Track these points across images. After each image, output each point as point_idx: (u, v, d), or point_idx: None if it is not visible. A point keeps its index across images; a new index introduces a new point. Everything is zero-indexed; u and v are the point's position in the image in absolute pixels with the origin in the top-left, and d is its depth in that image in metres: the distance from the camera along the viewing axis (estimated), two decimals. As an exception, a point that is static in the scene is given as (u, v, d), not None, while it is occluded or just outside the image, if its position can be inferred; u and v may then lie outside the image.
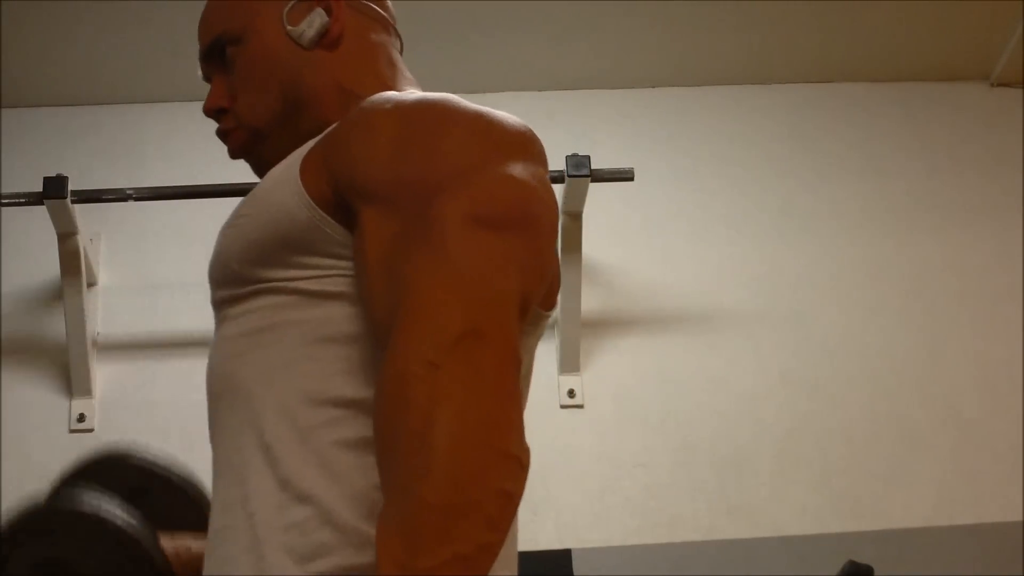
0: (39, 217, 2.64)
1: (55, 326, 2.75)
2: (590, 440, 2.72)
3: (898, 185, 3.02)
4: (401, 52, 1.38)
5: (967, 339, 2.86)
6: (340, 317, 1.13)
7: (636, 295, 2.87)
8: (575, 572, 2.56)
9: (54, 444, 2.68)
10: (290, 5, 1.30)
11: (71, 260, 2.65)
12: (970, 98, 3.14)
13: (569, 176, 2.60)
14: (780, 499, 2.67)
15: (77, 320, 2.66)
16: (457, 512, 0.94)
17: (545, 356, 2.78)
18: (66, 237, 2.65)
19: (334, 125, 1.20)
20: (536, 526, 2.61)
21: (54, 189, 2.58)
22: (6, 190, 2.72)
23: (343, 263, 1.14)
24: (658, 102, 3.10)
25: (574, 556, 2.57)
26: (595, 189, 2.64)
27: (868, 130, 3.09)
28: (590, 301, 2.78)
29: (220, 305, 1.23)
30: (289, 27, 1.29)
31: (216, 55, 1.33)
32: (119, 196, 2.68)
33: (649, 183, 2.88)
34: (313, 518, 1.07)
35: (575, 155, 2.62)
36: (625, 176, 2.67)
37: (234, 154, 1.35)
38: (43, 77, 2.96)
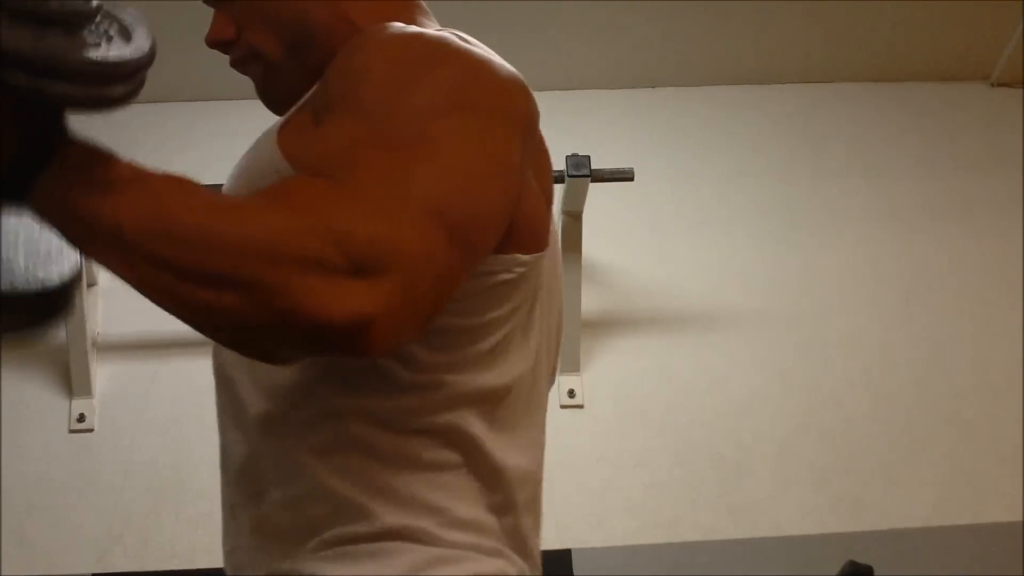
0: (39, 217, 2.63)
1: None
2: (590, 440, 2.72)
3: (898, 185, 3.02)
4: None
5: (967, 339, 2.86)
6: None
7: (636, 295, 2.87)
8: (575, 572, 2.56)
9: (54, 444, 2.68)
10: None
11: (71, 260, 2.65)
12: (970, 98, 3.14)
13: (569, 176, 2.60)
14: (780, 499, 2.67)
15: (77, 320, 2.66)
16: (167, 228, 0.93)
17: (545, 356, 2.78)
18: (66, 237, 2.65)
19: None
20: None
21: (54, 189, 2.58)
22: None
23: None
24: (658, 102, 3.10)
25: (574, 556, 2.57)
26: (595, 189, 2.64)
27: (868, 130, 3.09)
28: (590, 301, 2.78)
29: None
30: None
31: None
32: (119, 196, 2.68)
33: (649, 183, 2.88)
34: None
35: (575, 155, 2.61)
36: (625, 176, 2.67)
37: (258, 88, 1.30)
38: (43, 77, 2.96)
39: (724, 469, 2.70)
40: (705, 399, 2.77)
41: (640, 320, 2.85)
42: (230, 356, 1.15)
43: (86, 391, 2.71)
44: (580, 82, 3.08)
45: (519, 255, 1.14)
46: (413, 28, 1.14)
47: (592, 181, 2.62)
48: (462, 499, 1.10)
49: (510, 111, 1.11)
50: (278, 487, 1.11)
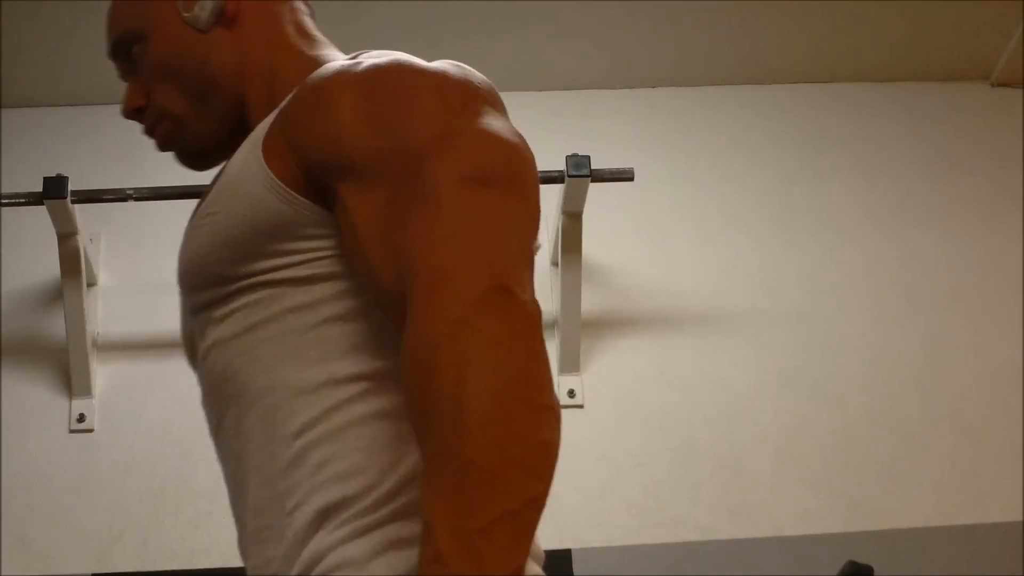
0: (39, 217, 2.64)
1: (55, 326, 2.75)
2: (590, 440, 2.72)
3: (898, 185, 3.02)
4: (312, 16, 1.38)
5: (967, 339, 2.86)
6: (334, 296, 1.13)
7: (636, 295, 2.87)
8: (575, 572, 2.55)
9: (54, 444, 2.68)
10: None
11: (71, 260, 2.65)
12: (970, 98, 3.14)
13: (569, 176, 2.60)
14: (780, 499, 2.67)
15: (77, 320, 2.66)
16: (502, 469, 0.93)
17: (545, 356, 2.78)
18: (66, 237, 2.65)
19: (284, 103, 1.18)
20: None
21: (54, 189, 2.58)
22: (6, 190, 2.72)
23: (325, 242, 1.13)
24: (658, 102, 3.10)
25: (574, 556, 2.57)
26: (595, 189, 2.64)
27: (868, 130, 3.09)
28: (590, 301, 2.78)
29: (201, 309, 1.21)
30: (184, 14, 1.29)
31: (123, 55, 1.34)
32: (119, 196, 2.68)
33: (649, 183, 2.88)
34: (354, 498, 1.07)
35: (575, 155, 2.61)
36: (625, 176, 2.67)
37: (161, 147, 1.36)
38: (43, 77, 2.96)
39: (724, 469, 2.70)
40: (705, 399, 2.77)
41: (640, 320, 2.85)
42: (258, 366, 1.16)
43: (86, 391, 2.71)
44: (580, 82, 3.08)
45: None
46: (368, 63, 1.15)
47: (592, 181, 2.62)
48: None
49: (490, 98, 1.16)
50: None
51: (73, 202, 2.61)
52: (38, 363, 2.77)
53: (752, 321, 2.85)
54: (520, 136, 1.13)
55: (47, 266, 2.75)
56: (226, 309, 1.17)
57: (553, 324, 2.78)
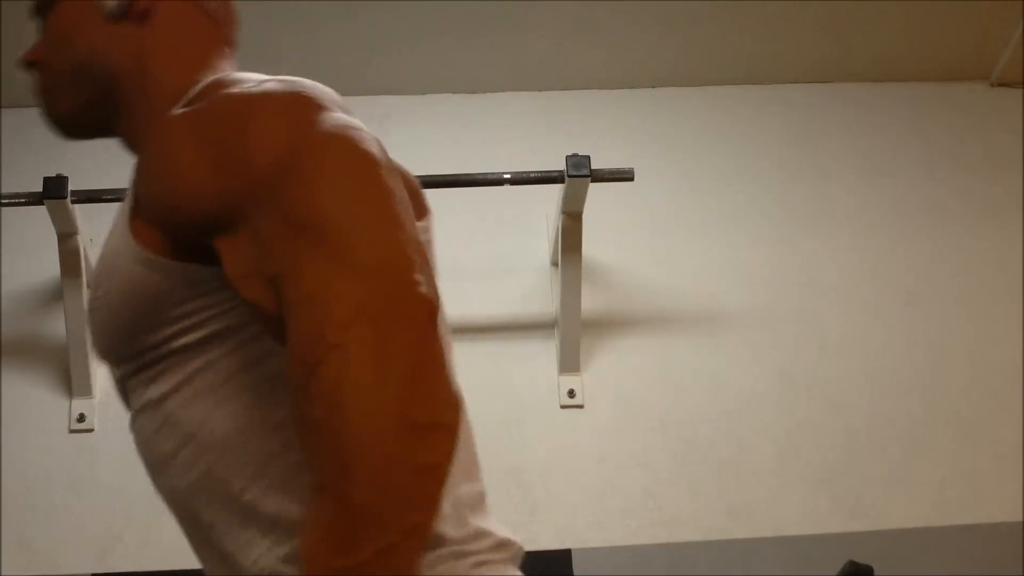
0: (39, 217, 2.64)
1: (55, 326, 2.75)
2: (590, 440, 2.72)
3: (898, 185, 3.02)
4: (230, 44, 1.31)
5: (967, 339, 2.86)
6: (246, 344, 1.09)
7: (636, 295, 2.87)
8: (575, 572, 2.56)
9: (54, 444, 2.68)
10: None
11: (71, 260, 2.65)
12: (970, 98, 3.14)
13: (569, 176, 2.60)
14: (780, 499, 2.67)
15: (77, 320, 2.66)
16: (376, 504, 0.89)
17: (545, 356, 2.79)
18: (66, 237, 2.65)
19: (132, 174, 1.15)
20: (536, 526, 2.61)
21: (54, 189, 2.58)
22: (6, 190, 2.72)
23: (211, 299, 1.09)
24: (658, 102, 3.10)
25: (574, 556, 2.57)
26: (595, 189, 2.64)
27: (868, 130, 3.09)
28: (590, 301, 2.78)
29: (126, 379, 1.19)
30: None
31: (39, 15, 1.35)
32: (119, 196, 2.66)
33: (649, 183, 2.88)
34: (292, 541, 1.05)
35: (575, 155, 2.61)
36: (625, 176, 2.67)
37: (36, 96, 1.34)
38: (43, 77, 2.96)
39: (724, 469, 2.70)
40: (705, 399, 2.77)
41: (640, 320, 2.85)
42: (185, 428, 1.13)
43: (86, 391, 2.71)
44: (580, 82, 3.08)
45: (418, 222, 1.13)
46: (199, 105, 1.12)
47: (592, 181, 2.62)
48: (449, 494, 1.08)
49: (334, 122, 1.07)
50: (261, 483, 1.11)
51: (73, 202, 2.61)
52: (38, 363, 2.77)
53: (752, 321, 2.85)
54: (349, 120, 1.06)
55: (47, 266, 2.75)
56: (146, 376, 1.15)
57: (553, 324, 2.78)
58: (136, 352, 1.14)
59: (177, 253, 1.08)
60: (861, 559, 2.37)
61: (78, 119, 1.28)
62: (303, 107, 1.05)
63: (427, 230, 1.17)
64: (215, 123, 1.07)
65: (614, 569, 2.56)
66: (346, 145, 1.02)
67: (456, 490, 1.09)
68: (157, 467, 1.19)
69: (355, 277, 0.94)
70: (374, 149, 1.04)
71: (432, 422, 0.92)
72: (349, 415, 0.90)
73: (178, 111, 1.12)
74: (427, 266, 0.99)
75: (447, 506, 1.06)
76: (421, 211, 1.17)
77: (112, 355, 1.19)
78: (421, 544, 0.93)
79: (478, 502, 1.13)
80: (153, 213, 1.10)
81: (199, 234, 1.05)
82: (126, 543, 2.59)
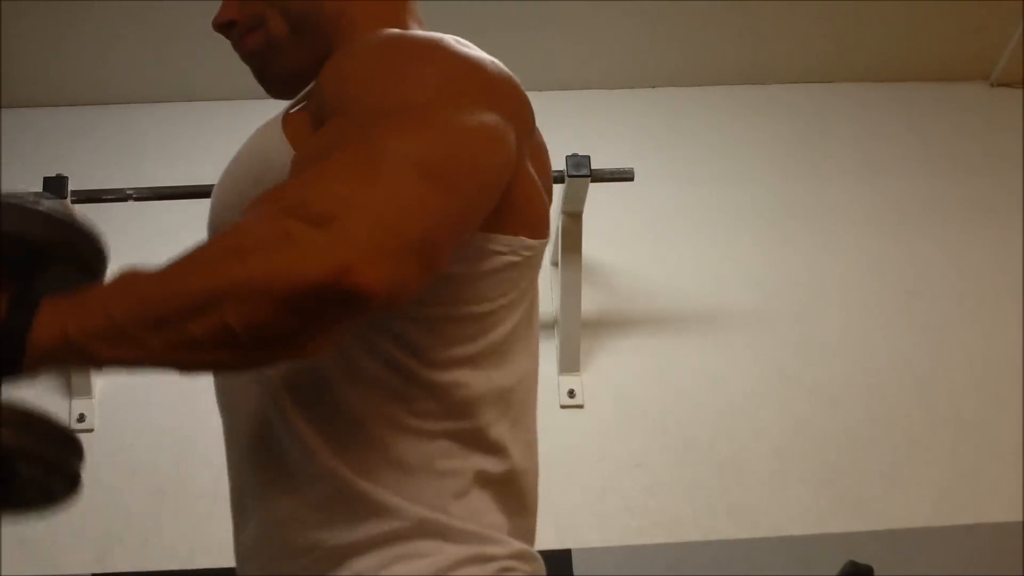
0: (39, 217, 2.63)
1: (55, 326, 2.75)
2: (590, 440, 2.72)
3: (898, 185, 3.02)
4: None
5: (967, 339, 2.86)
6: None
7: (636, 295, 2.87)
8: (575, 572, 2.55)
9: (54, 444, 2.68)
10: None
11: (71, 260, 2.65)
12: (970, 98, 3.14)
13: (569, 176, 2.60)
14: (780, 499, 2.67)
15: (77, 320, 2.66)
16: (160, 306, 0.95)
17: (545, 356, 2.77)
18: (66, 237, 2.64)
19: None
20: (536, 526, 2.60)
21: (54, 189, 2.58)
22: (6, 190, 2.71)
23: None
24: (658, 102, 3.10)
25: (574, 556, 2.57)
26: (595, 189, 2.64)
27: (868, 130, 3.09)
28: (590, 301, 2.78)
29: None
30: None
31: None
32: (119, 196, 2.68)
33: (649, 183, 2.88)
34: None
35: (575, 155, 2.61)
36: (625, 176, 2.67)
37: (246, 57, 1.32)
38: (43, 77, 2.96)
39: (724, 469, 2.70)
40: (705, 399, 2.77)
41: (640, 320, 2.85)
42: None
43: (86, 391, 2.70)
44: (580, 82, 3.08)
45: (526, 238, 1.15)
46: (401, 31, 1.18)
47: (592, 181, 2.62)
48: (486, 504, 1.12)
49: (500, 104, 1.11)
50: (293, 486, 1.11)
51: (73, 202, 2.60)
52: (38, 363, 2.77)
53: (752, 321, 2.85)
54: (498, 133, 1.09)
55: (47, 266, 2.75)
56: None
57: (553, 324, 2.78)
58: None
59: None
60: (861, 559, 2.37)
61: (302, 70, 1.25)
62: (473, 90, 1.09)
63: (536, 249, 1.18)
64: (402, 51, 1.12)
65: (614, 569, 2.56)
66: (451, 146, 1.04)
67: (507, 518, 1.14)
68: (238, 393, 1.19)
69: (355, 208, 0.94)
70: (507, 140, 1.08)
71: (228, 324, 0.93)
72: (206, 264, 0.96)
73: (382, 32, 1.16)
74: (419, 265, 0.97)
75: (481, 513, 1.11)
76: (539, 231, 1.19)
77: (220, 227, 1.20)
78: (101, 354, 0.96)
79: (510, 518, 1.16)
80: (315, 106, 1.12)
81: (327, 116, 1.08)
82: (126, 543, 2.59)
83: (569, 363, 2.75)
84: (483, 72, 1.12)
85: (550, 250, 2.83)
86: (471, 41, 1.19)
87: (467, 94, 1.09)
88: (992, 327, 2.87)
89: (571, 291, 2.69)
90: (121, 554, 2.58)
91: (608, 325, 2.83)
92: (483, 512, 1.11)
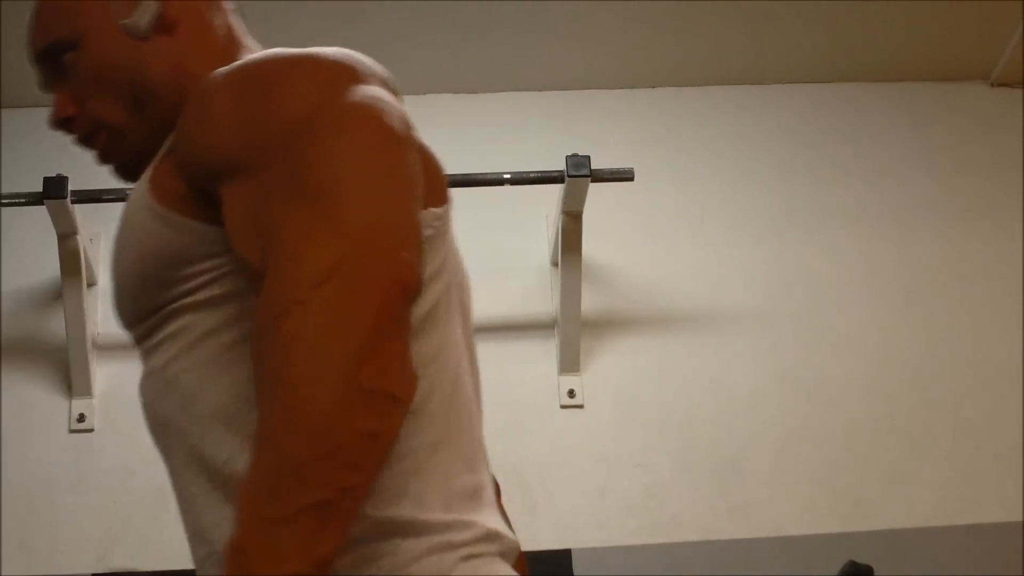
0: (39, 217, 2.64)
1: (55, 326, 2.75)
2: (590, 440, 2.72)
3: (898, 185, 3.02)
4: (237, 14, 1.32)
5: (967, 339, 2.86)
6: (241, 313, 1.09)
7: (636, 295, 2.87)
8: (575, 572, 2.56)
9: (54, 444, 2.68)
10: None
11: (71, 260, 2.65)
12: (970, 98, 3.14)
13: (569, 176, 2.60)
14: (780, 499, 2.67)
15: (77, 320, 2.66)
16: (314, 458, 0.91)
17: (545, 356, 2.79)
18: (66, 237, 2.65)
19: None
20: (536, 526, 2.61)
21: (54, 189, 2.58)
22: (6, 190, 2.72)
23: (222, 259, 1.10)
24: (658, 102, 3.10)
25: (574, 556, 2.57)
26: (595, 189, 2.64)
27: (868, 130, 3.09)
28: (590, 301, 2.78)
29: (139, 341, 1.21)
30: (123, 21, 1.23)
31: (50, 62, 1.29)
32: (119, 196, 2.67)
33: (649, 183, 2.88)
34: None
35: (575, 155, 2.61)
36: (625, 176, 2.67)
37: (102, 159, 1.29)
38: (43, 77, 2.96)
39: (724, 469, 2.70)
40: (705, 399, 2.77)
41: (640, 320, 2.85)
42: (181, 397, 1.13)
43: (86, 391, 2.70)
44: (580, 82, 3.08)
45: (433, 208, 1.14)
46: (242, 62, 1.14)
47: (592, 181, 2.62)
48: (441, 483, 1.08)
49: (363, 74, 1.10)
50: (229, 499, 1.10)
51: (73, 202, 2.61)
52: (38, 363, 2.77)
53: (752, 321, 2.85)
54: (383, 98, 1.08)
55: (47, 266, 2.75)
56: (155, 340, 1.17)
57: (553, 324, 2.78)
58: (147, 312, 1.16)
59: (191, 212, 1.10)
60: (861, 559, 2.38)
61: (155, 148, 1.20)
62: (339, 74, 1.08)
63: (444, 216, 1.17)
64: (255, 76, 1.10)
65: (614, 569, 2.56)
66: (369, 116, 1.05)
67: (451, 479, 1.09)
68: (157, 432, 1.19)
69: (335, 238, 0.96)
70: (396, 125, 1.06)
71: (381, 390, 0.93)
72: (298, 369, 0.92)
73: (222, 69, 1.14)
74: (416, 245, 1.00)
75: (434, 493, 1.07)
76: (441, 197, 1.18)
77: (127, 315, 1.20)
78: (355, 506, 0.94)
79: (473, 493, 1.12)
80: (180, 157, 1.11)
81: (212, 178, 1.07)
82: (126, 543, 2.59)
83: (569, 363, 2.75)
84: (327, 55, 1.11)
85: (550, 250, 2.83)
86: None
87: (337, 79, 1.08)
88: (992, 327, 2.87)
89: (571, 291, 2.69)
90: (121, 554, 2.58)
91: (608, 325, 2.83)
92: (437, 488, 1.08)
